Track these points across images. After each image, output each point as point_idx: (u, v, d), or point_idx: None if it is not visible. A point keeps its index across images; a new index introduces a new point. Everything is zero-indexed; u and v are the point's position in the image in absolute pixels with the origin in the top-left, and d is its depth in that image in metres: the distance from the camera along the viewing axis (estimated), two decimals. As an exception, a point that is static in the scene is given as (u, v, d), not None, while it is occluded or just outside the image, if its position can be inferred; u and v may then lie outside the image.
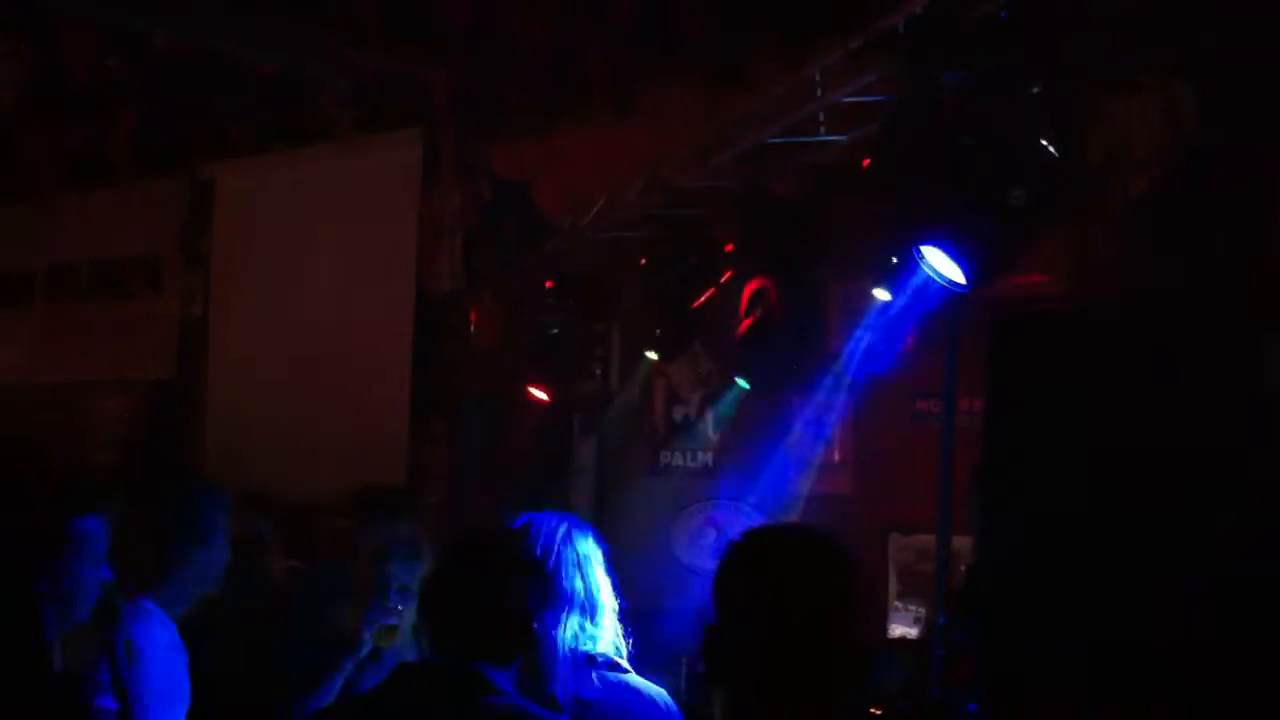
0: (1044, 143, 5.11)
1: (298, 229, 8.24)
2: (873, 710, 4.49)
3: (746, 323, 5.72)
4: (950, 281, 4.96)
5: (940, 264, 4.97)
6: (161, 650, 3.72)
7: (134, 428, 8.98)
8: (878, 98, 5.34)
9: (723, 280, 6.01)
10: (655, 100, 6.86)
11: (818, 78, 5.45)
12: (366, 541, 4.81)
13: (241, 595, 4.30)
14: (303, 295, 8.10)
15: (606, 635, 3.29)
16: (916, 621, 5.79)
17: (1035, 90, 5.12)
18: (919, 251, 4.95)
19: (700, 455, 6.72)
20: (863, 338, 5.61)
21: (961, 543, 5.18)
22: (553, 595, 3.06)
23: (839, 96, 5.42)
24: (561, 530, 3.37)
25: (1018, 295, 5.29)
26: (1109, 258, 5.28)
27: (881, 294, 5.33)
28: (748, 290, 5.80)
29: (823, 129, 5.59)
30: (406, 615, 4.17)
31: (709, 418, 6.67)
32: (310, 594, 5.10)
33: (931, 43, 5.01)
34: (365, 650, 4.13)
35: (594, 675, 3.15)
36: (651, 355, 6.48)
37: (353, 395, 7.64)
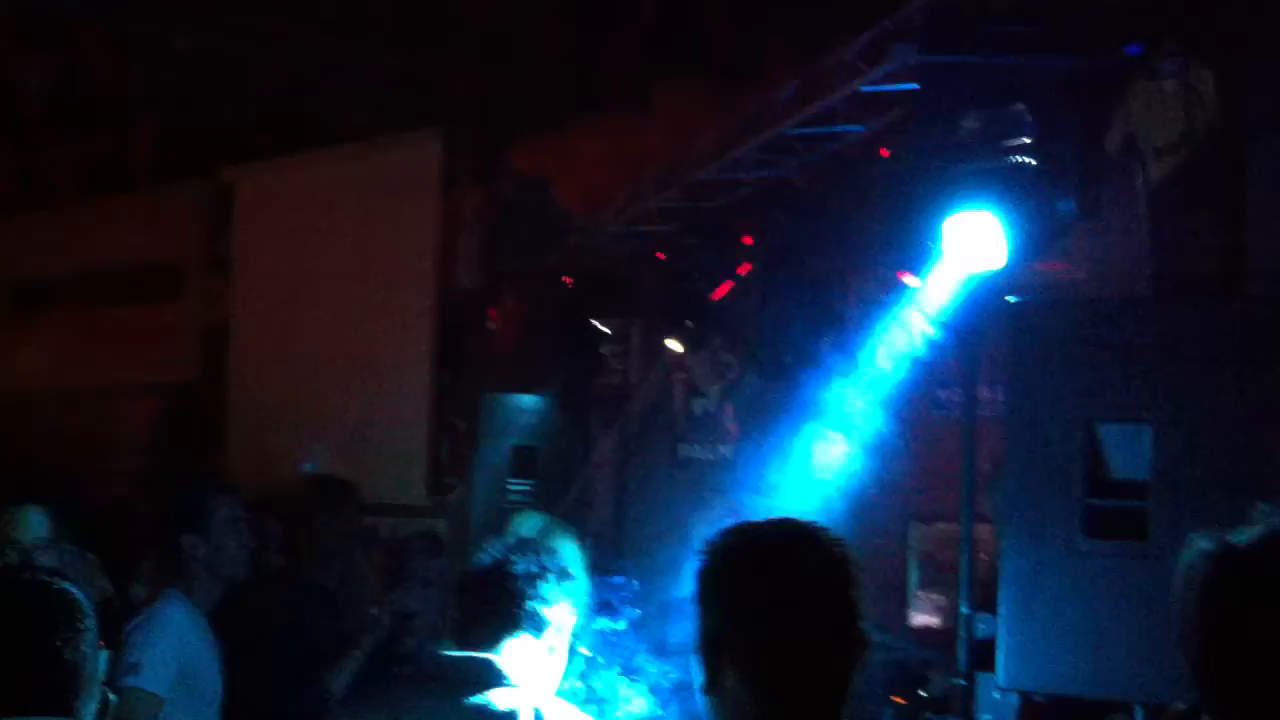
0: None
1: (319, 230, 8.26)
2: (895, 699, 4.47)
3: (765, 313, 5.73)
4: (977, 264, 4.96)
5: (967, 247, 4.96)
6: (182, 635, 3.76)
7: (158, 430, 9.03)
8: (894, 87, 5.33)
9: (741, 273, 6.01)
10: (671, 96, 6.86)
11: (834, 69, 5.45)
12: (325, 531, 4.80)
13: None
14: (325, 296, 8.12)
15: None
16: (939, 610, 5.76)
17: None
18: (947, 236, 4.95)
19: (720, 447, 6.71)
20: (883, 326, 5.60)
21: (983, 531, 5.15)
22: (573, 599, 3.10)
23: (855, 87, 5.41)
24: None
25: (1038, 283, 5.26)
26: (1130, 245, 5.26)
27: (910, 280, 5.34)
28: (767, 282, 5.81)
29: (840, 119, 5.59)
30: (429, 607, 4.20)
31: (728, 410, 6.67)
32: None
33: (948, 30, 5.01)
34: (379, 635, 4.17)
35: None
36: (673, 345, 6.49)
37: (375, 394, 7.66)
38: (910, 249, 5.31)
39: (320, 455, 7.08)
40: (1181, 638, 1.87)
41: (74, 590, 2.17)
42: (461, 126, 7.70)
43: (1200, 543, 1.88)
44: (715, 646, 1.98)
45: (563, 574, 3.08)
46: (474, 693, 2.87)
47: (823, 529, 2.06)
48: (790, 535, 2.05)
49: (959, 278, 5.17)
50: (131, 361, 9.25)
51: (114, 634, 3.61)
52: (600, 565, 5.96)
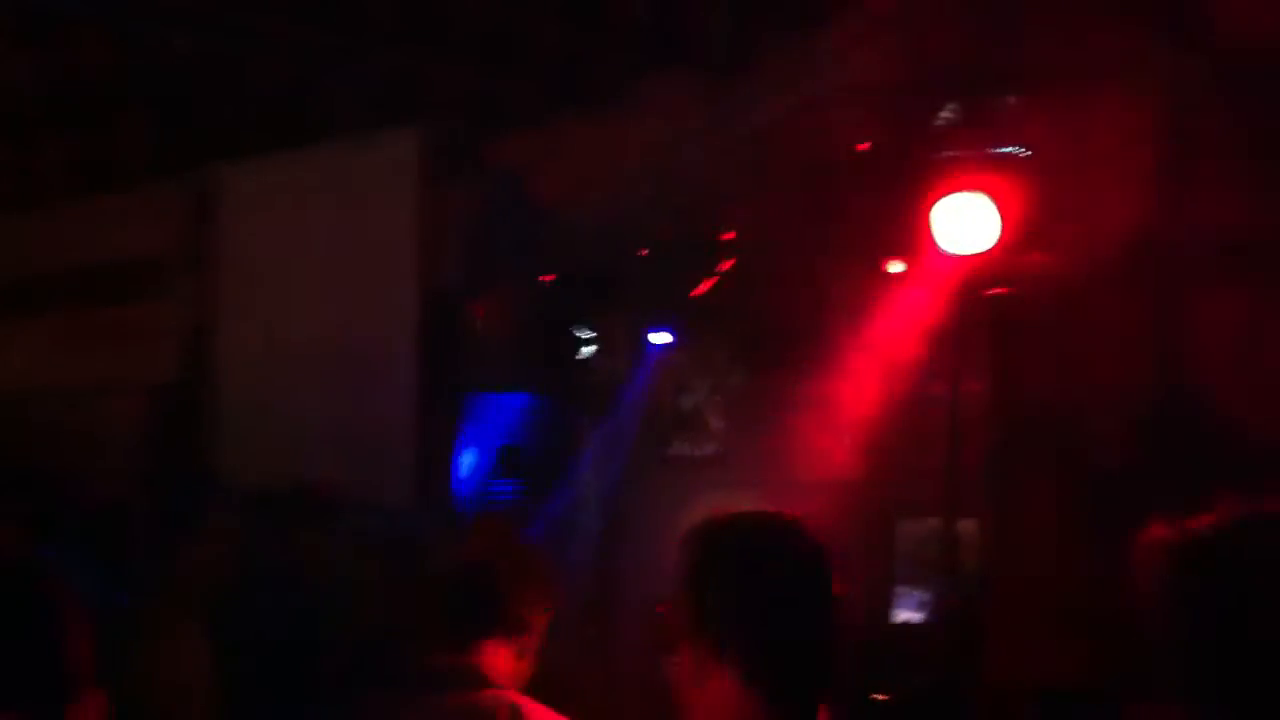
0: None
1: (302, 227, 8.23)
2: (875, 696, 4.46)
3: (749, 305, 5.72)
4: (963, 251, 4.95)
5: (952, 233, 4.96)
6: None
7: (145, 429, 8.98)
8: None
9: (725, 267, 6.00)
10: (656, 88, 6.83)
11: (818, 60, 5.44)
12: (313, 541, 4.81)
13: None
14: (307, 294, 8.08)
15: None
16: (923, 606, 5.75)
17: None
18: (933, 222, 4.95)
19: (708, 444, 6.69)
20: (866, 319, 5.59)
21: (968, 526, 5.15)
22: (548, 600, 3.12)
23: (839, 79, 5.40)
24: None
25: (1021, 274, 5.25)
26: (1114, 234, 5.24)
27: (895, 266, 5.34)
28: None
29: (824, 111, 5.57)
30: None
31: (715, 406, 6.65)
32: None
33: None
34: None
35: None
36: (660, 339, 6.49)
37: (360, 393, 7.62)
38: (896, 238, 5.32)
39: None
40: (1142, 626, 1.85)
41: (68, 585, 2.17)
42: (443, 123, 7.66)
43: (1159, 531, 1.86)
44: (706, 643, 1.97)
45: (538, 576, 3.11)
46: (457, 694, 2.89)
47: (805, 524, 2.06)
48: (779, 532, 2.04)
49: (945, 265, 5.16)
50: (117, 361, 9.21)
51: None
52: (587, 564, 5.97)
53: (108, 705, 2.18)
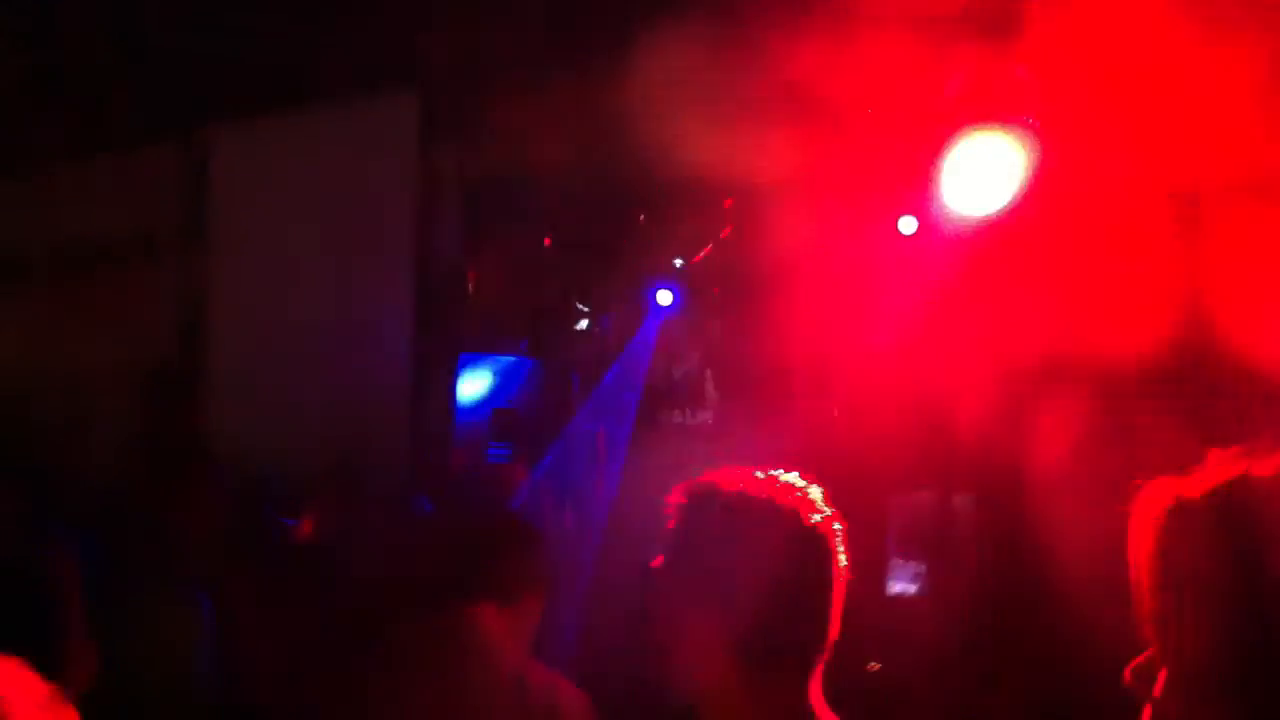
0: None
1: (295, 196, 8.17)
2: (870, 666, 4.45)
3: (747, 273, 5.69)
4: (969, 210, 4.91)
5: (959, 193, 4.92)
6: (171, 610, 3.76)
7: (138, 407, 8.94)
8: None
9: (722, 235, 5.97)
10: (653, 56, 6.78)
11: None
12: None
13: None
14: (301, 263, 8.02)
15: None
16: (916, 578, 5.73)
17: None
18: (940, 181, 4.91)
19: (701, 413, 6.68)
20: (866, 286, 5.56)
21: (961, 499, 5.13)
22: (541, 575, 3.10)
23: (839, 44, 5.36)
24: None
25: (1033, 232, 5.18)
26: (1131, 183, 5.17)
27: (906, 226, 5.31)
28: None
29: (823, 76, 5.53)
30: None
31: (709, 374, 6.65)
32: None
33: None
34: None
35: None
36: (664, 298, 6.48)
37: (354, 362, 7.58)
38: (904, 199, 5.30)
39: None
40: (1132, 586, 1.80)
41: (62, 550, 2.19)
42: (441, 87, 7.61)
43: (1154, 496, 1.81)
44: (691, 604, 1.94)
45: (531, 552, 3.08)
46: (458, 663, 2.87)
47: (802, 488, 2.01)
48: (772, 495, 1.99)
49: (955, 224, 5.12)
50: (108, 335, 9.15)
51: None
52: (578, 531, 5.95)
53: (98, 656, 2.20)
